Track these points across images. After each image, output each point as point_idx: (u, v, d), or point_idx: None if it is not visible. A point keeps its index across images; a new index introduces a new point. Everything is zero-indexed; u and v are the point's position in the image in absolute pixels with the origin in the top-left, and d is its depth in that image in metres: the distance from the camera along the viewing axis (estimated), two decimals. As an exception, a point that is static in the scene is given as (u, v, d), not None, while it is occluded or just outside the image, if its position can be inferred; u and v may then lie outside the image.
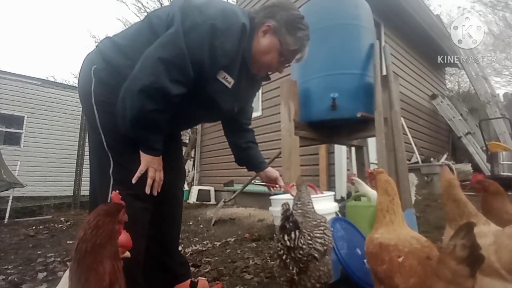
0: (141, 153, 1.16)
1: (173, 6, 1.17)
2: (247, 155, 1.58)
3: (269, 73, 1.40)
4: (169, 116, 1.15)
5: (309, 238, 0.99)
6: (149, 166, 1.16)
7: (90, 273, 0.59)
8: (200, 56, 1.10)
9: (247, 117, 1.58)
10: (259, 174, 1.62)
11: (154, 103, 1.07)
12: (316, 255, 0.97)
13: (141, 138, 1.15)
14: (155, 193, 1.21)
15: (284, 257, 0.95)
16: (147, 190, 1.17)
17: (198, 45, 1.09)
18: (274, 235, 1.10)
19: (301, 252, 0.94)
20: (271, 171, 1.61)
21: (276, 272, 1.03)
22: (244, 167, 1.62)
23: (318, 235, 1.03)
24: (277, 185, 1.61)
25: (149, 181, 1.17)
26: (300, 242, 0.94)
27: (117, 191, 0.79)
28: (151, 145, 1.16)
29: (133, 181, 1.15)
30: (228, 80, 1.21)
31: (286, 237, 0.94)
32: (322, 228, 1.08)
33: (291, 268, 0.95)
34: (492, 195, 1.21)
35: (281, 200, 2.05)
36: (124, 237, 0.74)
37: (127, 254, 0.75)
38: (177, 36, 1.07)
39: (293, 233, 0.94)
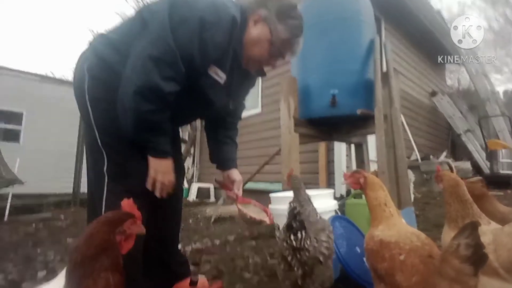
0: (149, 158, 1.15)
1: (163, 1, 1.15)
2: (219, 149, 1.48)
3: (264, 67, 1.35)
4: (168, 116, 1.14)
5: (315, 241, 0.97)
6: (157, 171, 1.15)
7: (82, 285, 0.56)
8: (190, 50, 1.09)
9: (235, 116, 1.52)
10: (223, 173, 1.50)
11: (149, 103, 1.06)
12: (321, 258, 0.95)
13: (145, 141, 1.14)
14: (165, 196, 1.20)
15: (289, 258, 0.93)
16: (158, 195, 1.18)
17: (187, 39, 1.08)
18: (277, 237, 1.08)
19: (307, 254, 0.92)
20: (236, 173, 1.48)
21: (279, 275, 1.00)
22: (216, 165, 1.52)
23: (323, 238, 1.00)
24: (231, 190, 1.47)
25: (158, 186, 1.16)
26: (306, 244, 0.92)
27: (130, 198, 0.76)
28: (155, 147, 1.15)
29: (149, 188, 1.15)
30: (219, 75, 1.19)
31: (292, 237, 0.92)
32: (327, 232, 1.05)
33: (296, 269, 0.93)
34: (478, 197, 1.20)
35: (281, 197, 2.04)
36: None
37: (142, 230, 0.69)
38: (165, 32, 1.05)
39: (299, 233, 0.92)
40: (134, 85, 1.04)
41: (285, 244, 0.94)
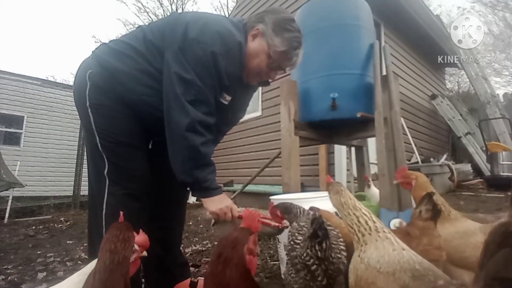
0: (205, 202, 1.20)
1: (167, 30, 1.19)
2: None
3: (263, 79, 1.38)
4: (213, 150, 1.24)
5: (337, 251, 0.91)
6: (220, 210, 1.19)
7: (118, 285, 0.62)
8: (212, 84, 1.17)
9: (232, 124, 1.56)
10: None
11: (201, 136, 1.15)
12: (342, 268, 0.89)
13: (199, 181, 1.17)
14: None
15: (313, 267, 0.86)
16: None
17: (207, 75, 1.14)
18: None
19: (332, 267, 0.87)
20: None
21: (296, 282, 0.92)
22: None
23: (342, 247, 0.95)
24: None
25: (228, 218, 1.21)
26: (331, 256, 0.87)
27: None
28: (209, 186, 1.19)
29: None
30: (226, 99, 1.27)
31: (317, 246, 0.85)
32: (341, 239, 1.00)
33: (320, 279, 0.86)
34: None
35: (282, 200, 2.04)
36: (142, 237, 0.77)
37: (144, 253, 0.77)
38: (190, 74, 1.12)
39: (324, 242, 0.85)
40: (184, 125, 1.11)
41: (308, 251, 0.87)
